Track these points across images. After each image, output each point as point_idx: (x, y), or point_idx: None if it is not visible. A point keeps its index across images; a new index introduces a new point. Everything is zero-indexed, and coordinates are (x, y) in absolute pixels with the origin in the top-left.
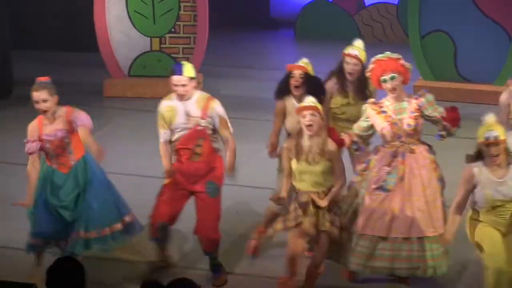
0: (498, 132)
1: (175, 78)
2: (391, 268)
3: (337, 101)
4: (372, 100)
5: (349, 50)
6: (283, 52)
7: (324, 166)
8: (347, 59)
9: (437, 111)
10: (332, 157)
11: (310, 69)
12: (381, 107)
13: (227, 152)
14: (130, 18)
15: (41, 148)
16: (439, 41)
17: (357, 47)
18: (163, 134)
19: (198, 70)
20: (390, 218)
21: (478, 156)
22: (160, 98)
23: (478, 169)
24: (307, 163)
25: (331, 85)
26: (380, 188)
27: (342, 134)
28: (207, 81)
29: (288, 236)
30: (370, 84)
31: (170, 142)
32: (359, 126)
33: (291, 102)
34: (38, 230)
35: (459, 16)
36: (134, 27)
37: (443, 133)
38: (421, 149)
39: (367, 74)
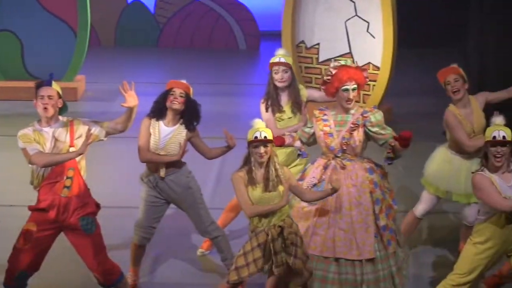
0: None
1: (43, 89)
2: None
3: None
4: (319, 108)
5: (275, 59)
6: None
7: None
8: (275, 68)
9: (386, 130)
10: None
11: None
12: (324, 114)
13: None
14: None
15: None
16: (6, 41)
17: (281, 55)
18: (35, 146)
19: None
20: (311, 235)
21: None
22: None
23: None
24: (267, 192)
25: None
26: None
27: (286, 133)
28: None
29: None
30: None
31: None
32: (302, 131)
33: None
34: None
35: (24, 14)
36: None
37: (391, 155)
38: (356, 167)
39: (326, 79)
